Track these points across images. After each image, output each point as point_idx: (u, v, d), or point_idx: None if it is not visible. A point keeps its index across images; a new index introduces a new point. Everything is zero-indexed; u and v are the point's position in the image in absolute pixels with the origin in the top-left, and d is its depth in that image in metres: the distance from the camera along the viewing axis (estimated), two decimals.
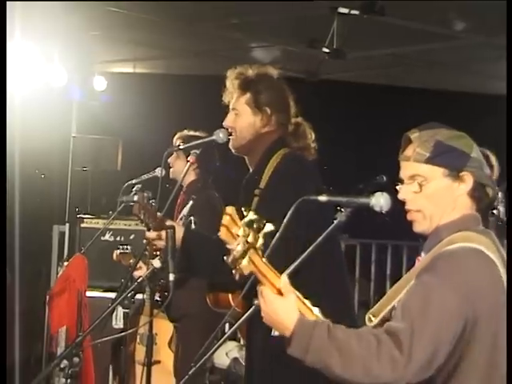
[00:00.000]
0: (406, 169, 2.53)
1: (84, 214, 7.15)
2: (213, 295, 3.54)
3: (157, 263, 3.28)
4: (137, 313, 5.48)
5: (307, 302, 2.36)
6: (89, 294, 5.55)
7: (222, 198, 5.20)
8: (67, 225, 7.70)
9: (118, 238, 6.87)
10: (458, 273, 2.34)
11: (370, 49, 7.84)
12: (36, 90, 7.07)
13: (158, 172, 4.34)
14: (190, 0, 6.47)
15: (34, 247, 7.40)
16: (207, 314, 4.45)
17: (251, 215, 2.31)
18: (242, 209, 2.35)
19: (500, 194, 2.58)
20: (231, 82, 3.50)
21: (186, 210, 5.00)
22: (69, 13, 6.85)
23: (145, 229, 3.53)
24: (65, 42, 7.69)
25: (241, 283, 2.67)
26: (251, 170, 3.50)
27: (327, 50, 7.15)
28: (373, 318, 2.48)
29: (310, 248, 2.44)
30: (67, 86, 8.16)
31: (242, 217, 2.33)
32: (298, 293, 2.35)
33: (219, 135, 3.46)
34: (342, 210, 2.56)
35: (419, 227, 2.54)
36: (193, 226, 4.76)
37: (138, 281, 3.49)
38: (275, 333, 2.73)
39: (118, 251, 5.39)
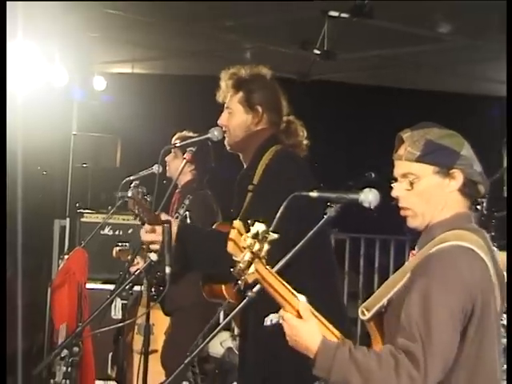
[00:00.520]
0: (399, 167, 2.53)
1: (84, 209, 7.15)
2: (207, 286, 3.54)
3: (154, 256, 3.28)
4: (135, 304, 5.49)
5: (326, 321, 2.39)
6: (88, 285, 5.54)
7: (216, 196, 5.21)
8: (68, 219, 7.70)
9: (117, 232, 6.87)
10: (453, 273, 2.34)
11: (359, 50, 7.85)
12: (38, 90, 7.06)
13: (155, 169, 4.34)
14: (185, 0, 6.43)
15: (36, 241, 7.38)
16: (201, 307, 4.46)
17: (257, 226, 2.31)
18: (248, 221, 2.34)
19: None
20: (225, 82, 3.51)
21: (182, 210, 4.99)
22: (69, 15, 6.84)
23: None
24: (65, 43, 7.67)
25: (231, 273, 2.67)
26: (245, 167, 3.51)
27: (318, 52, 7.15)
28: (366, 312, 2.49)
29: (301, 242, 2.45)
30: (68, 86, 8.15)
31: (248, 229, 2.33)
32: (316, 312, 2.37)
33: (214, 133, 3.48)
34: (333, 205, 2.57)
35: (412, 223, 2.54)
36: (188, 221, 4.77)
37: (136, 273, 3.50)
38: (267, 323, 2.73)
39: (118, 248, 5.39)
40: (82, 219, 7.04)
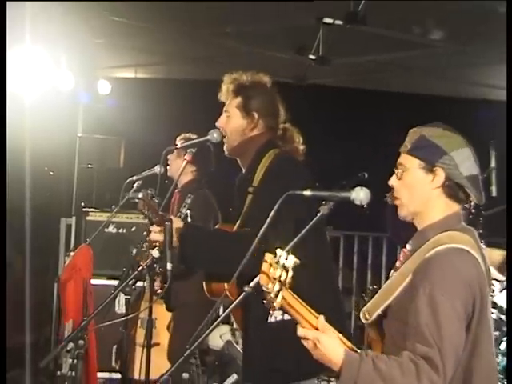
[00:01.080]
0: (399, 158, 2.56)
1: (89, 207, 7.14)
2: (210, 285, 3.54)
3: (156, 253, 3.29)
4: (138, 299, 5.48)
5: (341, 335, 2.37)
6: (93, 281, 5.54)
7: (215, 197, 5.21)
8: (74, 218, 7.70)
9: (121, 230, 6.87)
10: (453, 275, 2.36)
11: (352, 56, 7.85)
12: (45, 94, 7.06)
13: (157, 169, 4.34)
14: (185, 0, 6.40)
15: (43, 238, 7.38)
16: (204, 303, 4.45)
17: (284, 256, 2.29)
18: (277, 252, 2.32)
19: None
20: (227, 86, 3.51)
21: (184, 209, 4.99)
22: (75, 22, 6.84)
23: (145, 221, 3.52)
24: (72, 49, 7.67)
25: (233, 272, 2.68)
26: (244, 171, 3.51)
27: (314, 57, 7.15)
28: (368, 316, 2.49)
29: (295, 239, 2.45)
30: (74, 90, 8.14)
31: (277, 261, 2.30)
32: (333, 328, 2.36)
33: (213, 135, 3.48)
34: (326, 203, 2.58)
35: (400, 213, 2.56)
36: (189, 220, 4.77)
37: (139, 269, 3.50)
38: (271, 319, 2.73)
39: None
40: (88, 218, 7.03)
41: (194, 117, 7.19)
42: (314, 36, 7.10)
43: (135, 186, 4.36)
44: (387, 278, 2.59)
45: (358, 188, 2.57)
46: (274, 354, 3.25)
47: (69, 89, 7.92)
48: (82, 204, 7.34)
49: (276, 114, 3.50)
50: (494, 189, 4.97)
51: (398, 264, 2.57)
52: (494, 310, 4.57)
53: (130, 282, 3.54)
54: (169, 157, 5.12)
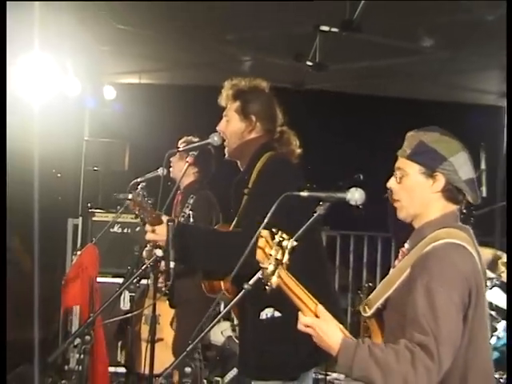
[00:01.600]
0: (397, 162, 2.57)
1: (95, 208, 7.15)
2: (207, 282, 3.54)
3: (159, 252, 3.28)
4: (142, 296, 5.49)
5: (339, 324, 2.38)
6: (99, 279, 5.55)
7: (216, 197, 5.21)
8: (80, 218, 7.70)
9: (126, 230, 6.88)
10: (450, 268, 2.36)
11: (348, 62, 7.85)
12: (53, 99, 7.05)
13: (160, 171, 4.34)
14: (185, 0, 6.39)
15: (51, 238, 7.38)
16: (205, 299, 4.45)
17: (280, 235, 2.31)
18: (273, 230, 2.34)
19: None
20: (226, 92, 3.52)
21: (187, 210, 4.99)
22: (82, 30, 6.84)
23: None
24: (79, 56, 7.66)
25: (231, 270, 2.67)
26: (241, 172, 3.51)
27: (311, 63, 7.15)
28: (367, 309, 2.49)
29: (293, 238, 2.45)
30: (80, 96, 8.13)
31: (273, 237, 2.32)
32: (331, 316, 2.37)
33: (214, 138, 3.49)
34: (322, 204, 2.58)
35: (400, 214, 2.56)
36: (191, 220, 4.77)
37: (143, 268, 3.50)
38: (263, 316, 2.72)
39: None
40: (94, 218, 7.04)
41: (196, 121, 7.17)
42: (311, 43, 7.11)
43: (139, 187, 4.36)
44: (382, 275, 2.59)
45: (353, 189, 2.57)
46: (266, 349, 3.25)
47: (76, 94, 7.92)
48: (89, 205, 7.35)
49: (273, 117, 3.50)
50: (484, 189, 4.99)
51: (396, 263, 2.57)
52: None
53: (135, 280, 3.54)
54: (171, 159, 5.12)
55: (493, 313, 4.69)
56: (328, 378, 6.75)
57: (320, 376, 6.55)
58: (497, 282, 4.81)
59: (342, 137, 9.47)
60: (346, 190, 2.57)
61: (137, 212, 3.30)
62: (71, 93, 7.83)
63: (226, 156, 3.52)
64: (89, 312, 5.07)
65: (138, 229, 6.75)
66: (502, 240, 8.08)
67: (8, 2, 4.02)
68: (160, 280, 4.08)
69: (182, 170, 4.15)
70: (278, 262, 2.30)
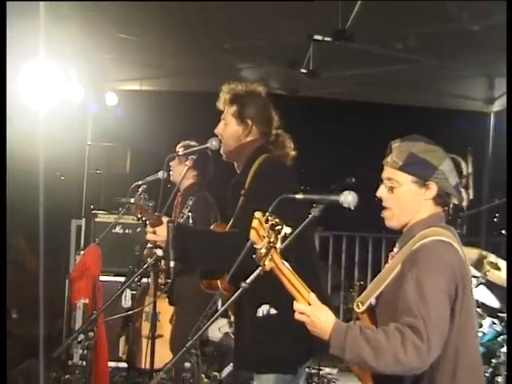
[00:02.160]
0: (385, 172, 2.57)
1: (98, 210, 7.14)
2: (205, 280, 3.54)
3: (159, 252, 3.29)
4: (143, 294, 5.49)
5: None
6: (102, 278, 5.55)
7: (214, 198, 5.21)
8: (83, 219, 7.69)
9: (127, 231, 6.87)
10: (437, 261, 2.39)
11: (341, 70, 7.86)
12: (57, 105, 7.05)
13: (161, 175, 4.34)
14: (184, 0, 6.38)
15: (56, 239, 7.37)
16: (203, 297, 4.45)
17: (273, 219, 2.32)
18: (267, 213, 2.35)
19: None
20: (224, 96, 3.52)
21: (186, 211, 4.99)
22: (86, 39, 6.84)
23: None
24: (82, 63, 7.67)
25: (229, 269, 2.67)
26: (237, 174, 3.52)
27: (305, 71, 7.15)
28: (360, 305, 2.51)
29: (289, 238, 2.46)
30: (84, 102, 8.13)
31: (267, 220, 2.33)
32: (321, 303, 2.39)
33: (212, 143, 3.50)
34: (316, 206, 2.58)
35: (389, 223, 2.58)
36: (190, 221, 4.77)
37: (144, 267, 3.50)
38: (259, 313, 2.72)
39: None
40: (96, 219, 7.03)
41: (195, 126, 7.19)
42: (305, 52, 7.12)
43: (140, 190, 4.36)
44: (373, 274, 2.61)
45: (346, 192, 2.58)
46: (262, 344, 3.25)
47: (79, 100, 7.92)
48: (91, 206, 7.34)
49: (269, 120, 3.50)
50: (471, 192, 4.99)
51: (386, 266, 2.59)
52: None
53: (136, 279, 3.54)
54: (171, 163, 5.12)
55: (479, 310, 4.70)
56: (321, 372, 6.76)
57: (313, 371, 6.55)
58: (482, 281, 4.83)
59: (334, 142, 9.49)
60: (340, 193, 2.57)
61: (138, 215, 3.30)
62: (75, 99, 7.83)
63: (224, 157, 3.53)
64: (92, 309, 5.07)
65: (138, 229, 6.74)
66: (487, 240, 8.12)
67: (13, 12, 4.01)
68: (160, 278, 4.07)
69: (182, 173, 4.15)
70: (271, 245, 2.31)
